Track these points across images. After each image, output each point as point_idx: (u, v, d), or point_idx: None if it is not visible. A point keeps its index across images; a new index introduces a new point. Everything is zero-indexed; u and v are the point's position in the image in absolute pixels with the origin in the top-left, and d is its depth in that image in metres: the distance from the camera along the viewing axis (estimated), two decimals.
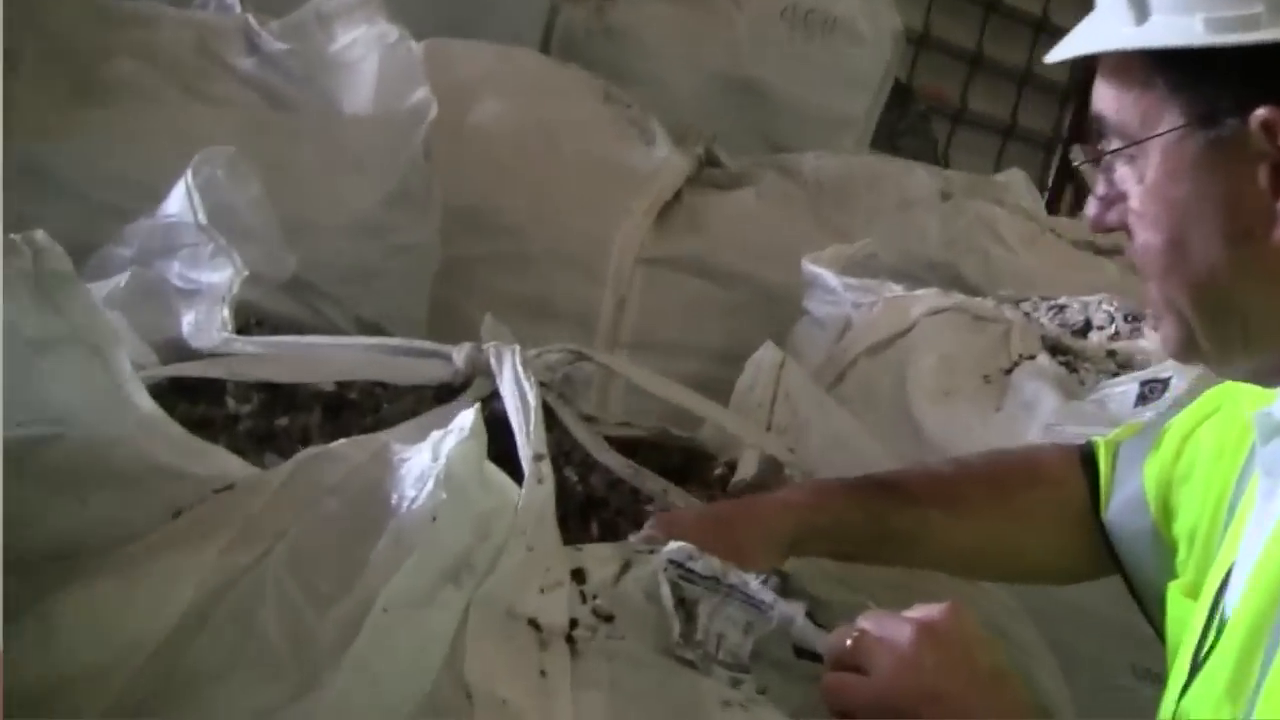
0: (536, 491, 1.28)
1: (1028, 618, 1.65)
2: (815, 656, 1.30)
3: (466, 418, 1.21)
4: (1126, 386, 1.91)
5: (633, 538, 1.42)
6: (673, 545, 1.33)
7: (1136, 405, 1.84)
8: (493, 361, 1.54)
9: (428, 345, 1.64)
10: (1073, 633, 1.76)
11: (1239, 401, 1.39)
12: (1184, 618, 1.32)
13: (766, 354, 1.84)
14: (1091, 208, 1.26)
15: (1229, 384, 1.43)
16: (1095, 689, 1.76)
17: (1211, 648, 1.19)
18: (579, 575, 1.30)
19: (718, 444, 1.78)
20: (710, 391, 2.65)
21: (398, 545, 1.13)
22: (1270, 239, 1.12)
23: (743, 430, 1.75)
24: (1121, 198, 1.22)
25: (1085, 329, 2.39)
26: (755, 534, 1.47)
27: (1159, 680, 1.75)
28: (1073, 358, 2.20)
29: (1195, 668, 1.21)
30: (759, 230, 2.81)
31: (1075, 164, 1.27)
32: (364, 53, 2.18)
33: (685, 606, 1.30)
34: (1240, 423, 1.36)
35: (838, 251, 2.55)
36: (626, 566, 1.33)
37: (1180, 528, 1.42)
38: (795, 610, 1.31)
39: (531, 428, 1.37)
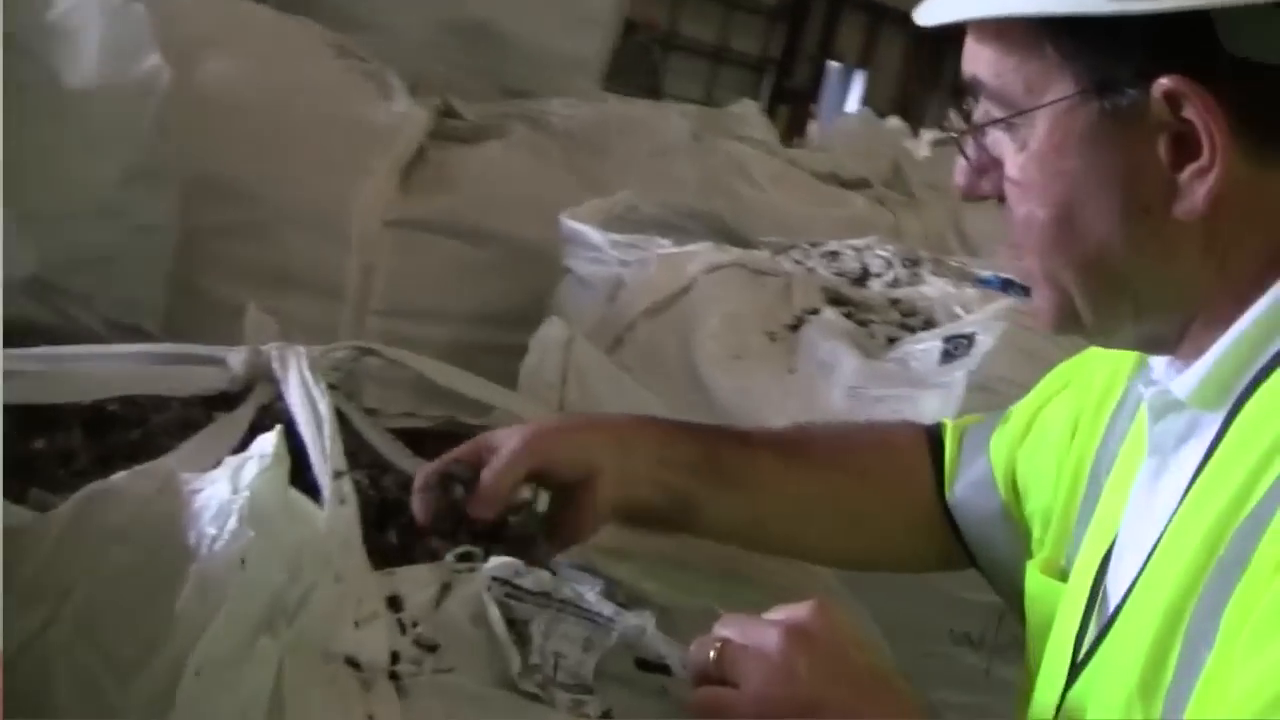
0: (340, 514, 1.16)
1: (846, 588, 1.57)
2: (662, 668, 1.19)
3: (267, 442, 1.08)
4: (929, 344, 1.83)
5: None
6: (495, 561, 1.22)
7: (942, 363, 1.76)
8: (275, 366, 1.40)
9: (200, 350, 1.49)
10: (888, 599, 1.68)
11: (1091, 374, 1.33)
12: (1047, 597, 1.26)
13: (553, 331, 1.72)
14: (961, 175, 1.17)
15: (1075, 361, 1.39)
16: (915, 655, 1.69)
17: (1102, 636, 1.11)
18: (394, 603, 1.19)
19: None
20: (469, 357, 2.55)
21: (205, 596, 0.99)
22: (1169, 214, 1.04)
23: (534, 414, 1.63)
24: (996, 165, 1.13)
25: (863, 277, 2.32)
26: (608, 440, 1.40)
27: (977, 644, 1.70)
28: (854, 309, 2.13)
29: (1084, 657, 1.13)
30: (510, 185, 2.69)
31: (948, 132, 1.17)
32: (86, 19, 1.99)
33: (516, 628, 1.18)
34: (1095, 395, 1.30)
35: (597, 206, 2.45)
36: (446, 588, 1.21)
37: (1034, 507, 1.36)
38: (644, 620, 1.20)
39: (327, 442, 1.23)
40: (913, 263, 2.38)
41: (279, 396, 1.41)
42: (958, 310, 2.16)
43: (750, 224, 2.74)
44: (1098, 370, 1.31)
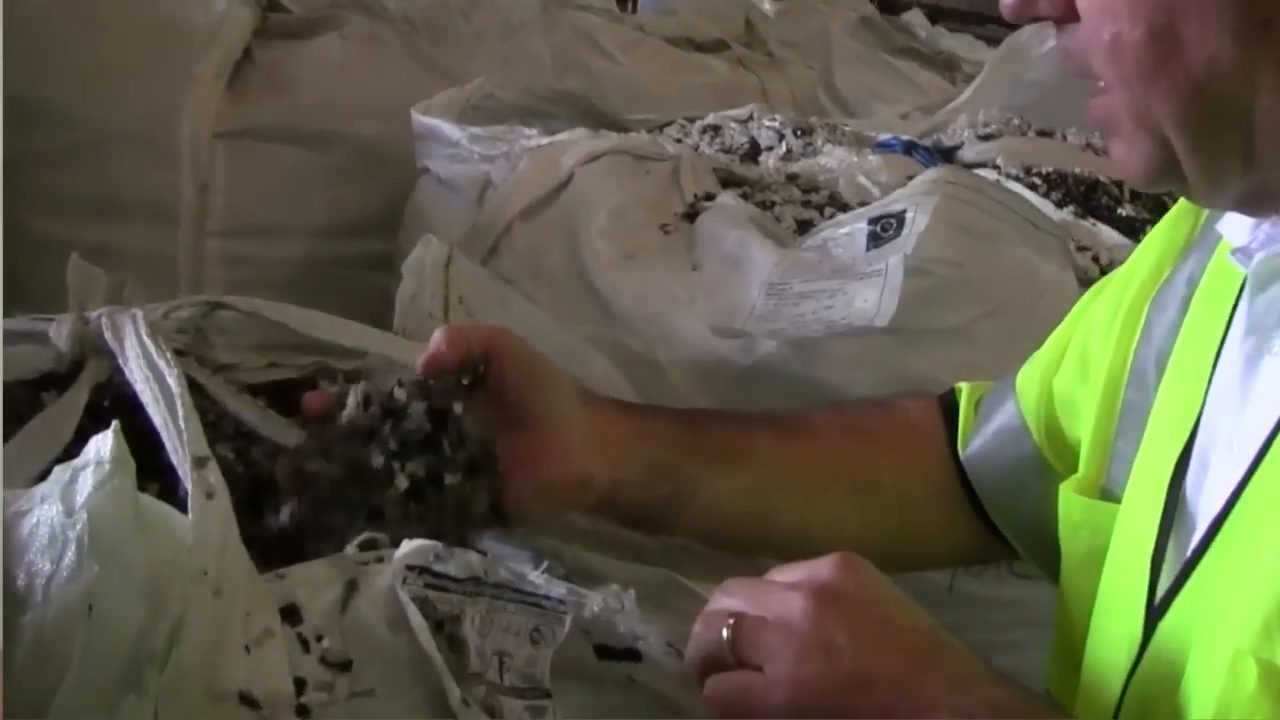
0: (209, 512, 0.94)
1: None
2: (630, 654, 0.99)
3: (102, 443, 0.86)
4: (852, 227, 1.62)
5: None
6: (407, 547, 1.00)
7: (871, 248, 1.56)
8: (107, 334, 1.17)
9: (14, 325, 1.25)
10: None
11: (1128, 274, 1.14)
12: (1093, 520, 1.07)
13: (429, 251, 1.50)
14: None
15: (1106, 278, 1.20)
16: None
17: (1196, 560, 0.91)
18: (291, 614, 0.96)
19: (386, 370, 1.43)
20: (325, 272, 2.33)
21: (45, 658, 0.77)
22: None
23: (408, 351, 1.40)
24: None
25: (753, 152, 2.11)
26: (575, 397, 1.20)
27: None
28: (751, 189, 1.92)
29: (1171, 587, 0.93)
30: (350, 82, 2.44)
31: None
32: None
33: (445, 629, 0.96)
34: (1136, 282, 1.11)
35: (450, 97, 2.21)
36: (353, 587, 0.99)
37: (1080, 432, 1.14)
38: (616, 597, 0.99)
39: (183, 422, 1.01)
40: (805, 131, 2.17)
41: (116, 370, 1.17)
42: (862, 181, 1.96)
43: (611, 102, 2.53)
44: (1136, 269, 1.12)
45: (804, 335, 1.48)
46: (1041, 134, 2.33)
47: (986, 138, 2.32)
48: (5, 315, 1.68)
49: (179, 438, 1.00)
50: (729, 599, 0.94)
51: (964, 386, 1.30)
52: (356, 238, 2.34)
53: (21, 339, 1.23)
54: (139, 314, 1.17)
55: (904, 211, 1.56)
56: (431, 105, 2.17)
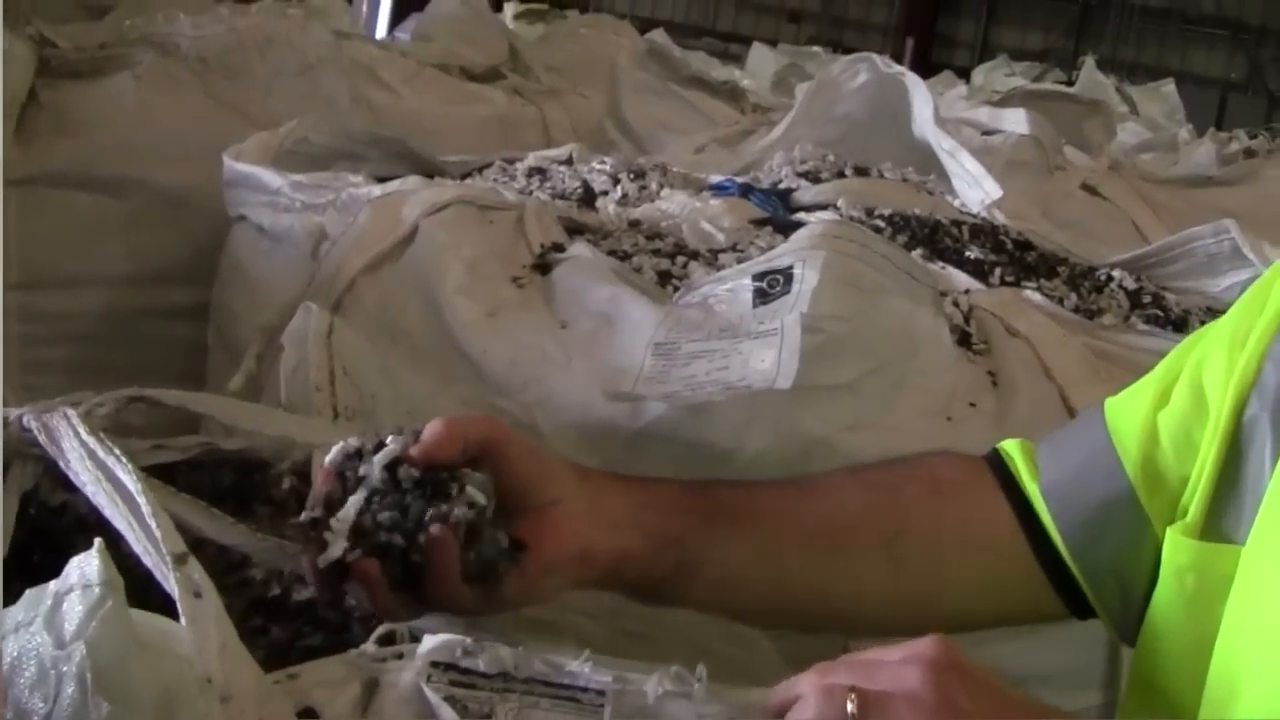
0: (202, 613, 0.86)
1: None
2: None
3: (87, 566, 0.77)
4: (735, 283, 1.57)
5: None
6: (431, 642, 0.93)
7: (759, 305, 1.51)
8: (40, 437, 1.07)
9: None
10: None
11: (1249, 309, 1.12)
12: (1215, 563, 1.06)
13: (310, 321, 1.41)
14: None
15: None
16: None
17: None
18: (308, 717, 0.89)
19: (273, 449, 1.35)
20: (132, 324, 2.22)
21: None
22: None
23: (305, 429, 1.33)
24: None
25: (588, 197, 2.06)
26: (567, 470, 1.16)
27: None
28: (594, 236, 1.87)
29: None
30: (145, 123, 2.35)
31: None
32: None
33: None
34: (1259, 327, 1.09)
35: (262, 141, 2.11)
36: (372, 686, 0.92)
37: (1195, 468, 1.12)
38: (685, 680, 0.93)
39: (152, 520, 0.92)
40: (638, 174, 2.13)
41: (48, 473, 1.08)
42: (706, 227, 1.92)
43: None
44: (1252, 310, 1.11)
45: (700, 398, 1.43)
46: (859, 171, 2.32)
47: (804, 174, 2.30)
48: None
49: (149, 538, 0.92)
50: (834, 676, 0.91)
51: (1005, 443, 1.26)
52: (163, 287, 2.26)
53: None
54: (72, 413, 1.07)
55: (790, 267, 1.52)
56: (243, 150, 2.07)
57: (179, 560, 0.87)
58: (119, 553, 0.84)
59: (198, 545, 1.04)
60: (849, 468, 1.32)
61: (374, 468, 1.06)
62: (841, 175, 2.29)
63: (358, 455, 1.08)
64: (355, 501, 1.04)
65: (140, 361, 2.26)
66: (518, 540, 1.09)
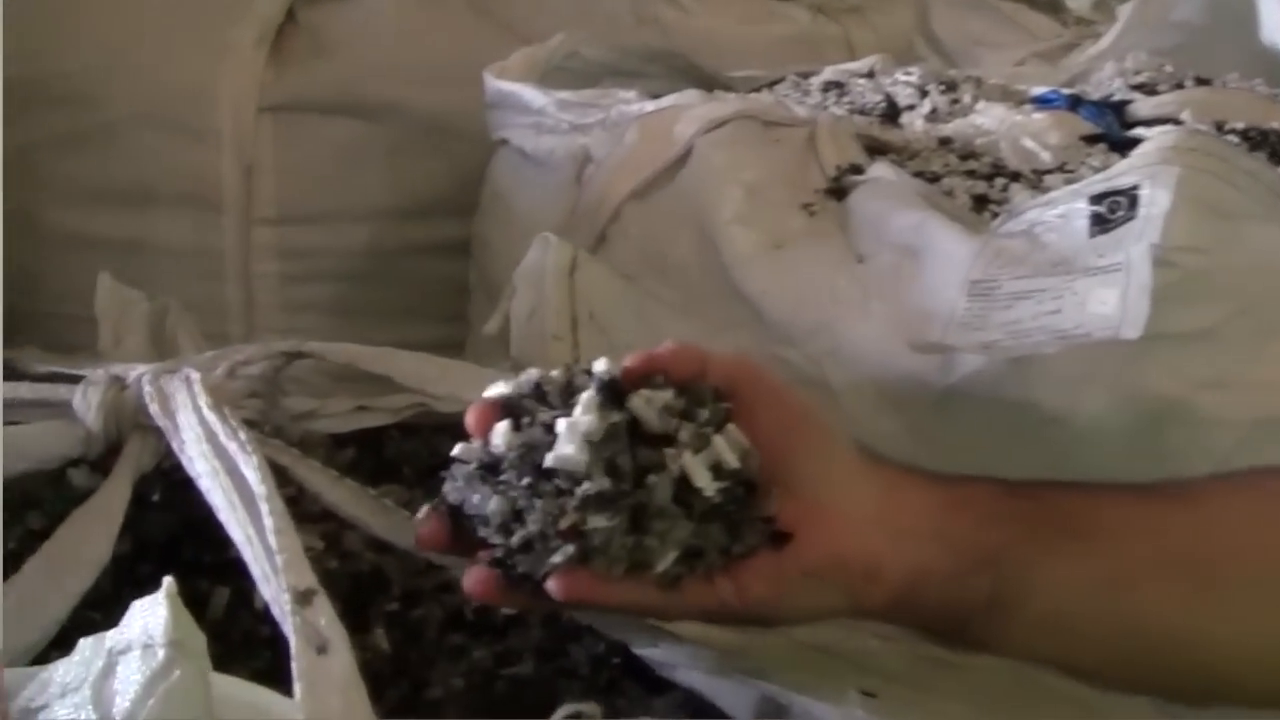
0: (325, 677, 0.65)
1: None
2: None
3: (151, 615, 0.57)
4: (1067, 207, 1.30)
5: None
6: None
7: (1095, 233, 1.25)
8: (153, 407, 0.87)
9: (26, 390, 0.93)
10: None
11: None
12: None
13: (549, 255, 1.20)
14: None
15: None
16: None
17: None
18: None
19: None
20: (394, 263, 2.05)
21: None
22: None
23: None
24: None
25: (891, 112, 1.80)
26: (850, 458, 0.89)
27: None
28: (898, 157, 1.62)
29: None
30: (407, 42, 2.15)
31: None
32: None
33: None
34: None
35: (528, 57, 1.91)
36: None
37: None
38: None
39: (273, 538, 0.71)
40: (948, 86, 1.86)
41: (168, 453, 0.87)
42: (1028, 144, 1.65)
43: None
44: None
45: (1026, 348, 1.18)
46: (1201, 82, 2.01)
47: (1138, 86, 2.01)
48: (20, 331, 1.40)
49: (269, 558, 0.71)
50: None
51: None
52: (424, 221, 2.07)
53: (34, 410, 0.93)
54: (194, 377, 0.87)
55: (1135, 187, 1.25)
56: (506, 68, 1.87)
57: (302, 599, 0.66)
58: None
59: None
60: (1232, 473, 1.03)
61: (589, 395, 0.81)
62: (1180, 86, 1.99)
63: (537, 395, 0.83)
64: (572, 457, 0.79)
65: (405, 301, 2.09)
66: (777, 527, 0.84)
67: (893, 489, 0.88)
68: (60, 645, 0.79)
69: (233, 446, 0.79)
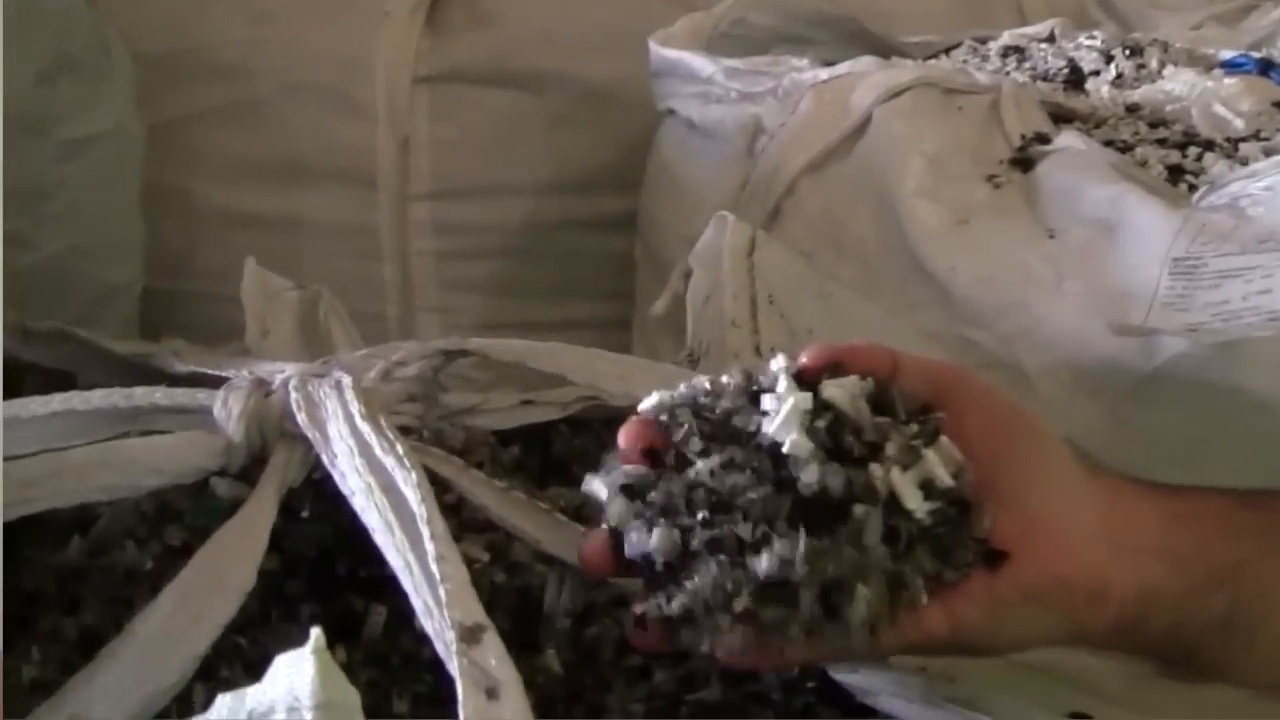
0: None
1: None
2: None
3: (297, 675, 0.51)
4: (1274, 179, 1.22)
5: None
6: None
7: None
8: (300, 417, 0.81)
9: (162, 397, 0.87)
10: None
11: None
12: None
13: (727, 235, 1.13)
14: None
15: None
16: None
17: None
18: None
19: None
20: (552, 239, 2.00)
21: None
22: None
23: None
24: None
25: (1075, 78, 1.72)
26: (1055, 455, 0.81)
27: None
28: (1084, 125, 1.54)
29: None
30: (566, 9, 2.09)
31: None
32: None
33: None
34: None
35: (693, 23, 1.85)
36: None
37: None
38: None
39: (435, 565, 0.65)
40: (1133, 51, 1.77)
41: (318, 463, 0.81)
42: (1220, 111, 1.56)
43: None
44: None
45: (1236, 331, 1.10)
46: None
47: None
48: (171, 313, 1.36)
49: (431, 589, 0.65)
50: None
51: None
52: (586, 195, 2.01)
53: (172, 418, 0.87)
54: (346, 382, 0.81)
55: None
56: (672, 35, 1.81)
57: (469, 635, 0.60)
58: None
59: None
60: None
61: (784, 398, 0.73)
62: None
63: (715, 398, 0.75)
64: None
65: (567, 278, 2.04)
66: (992, 546, 0.76)
67: (1114, 500, 0.80)
68: (203, 677, 0.74)
69: (389, 461, 0.73)
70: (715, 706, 0.80)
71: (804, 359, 0.77)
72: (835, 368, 0.76)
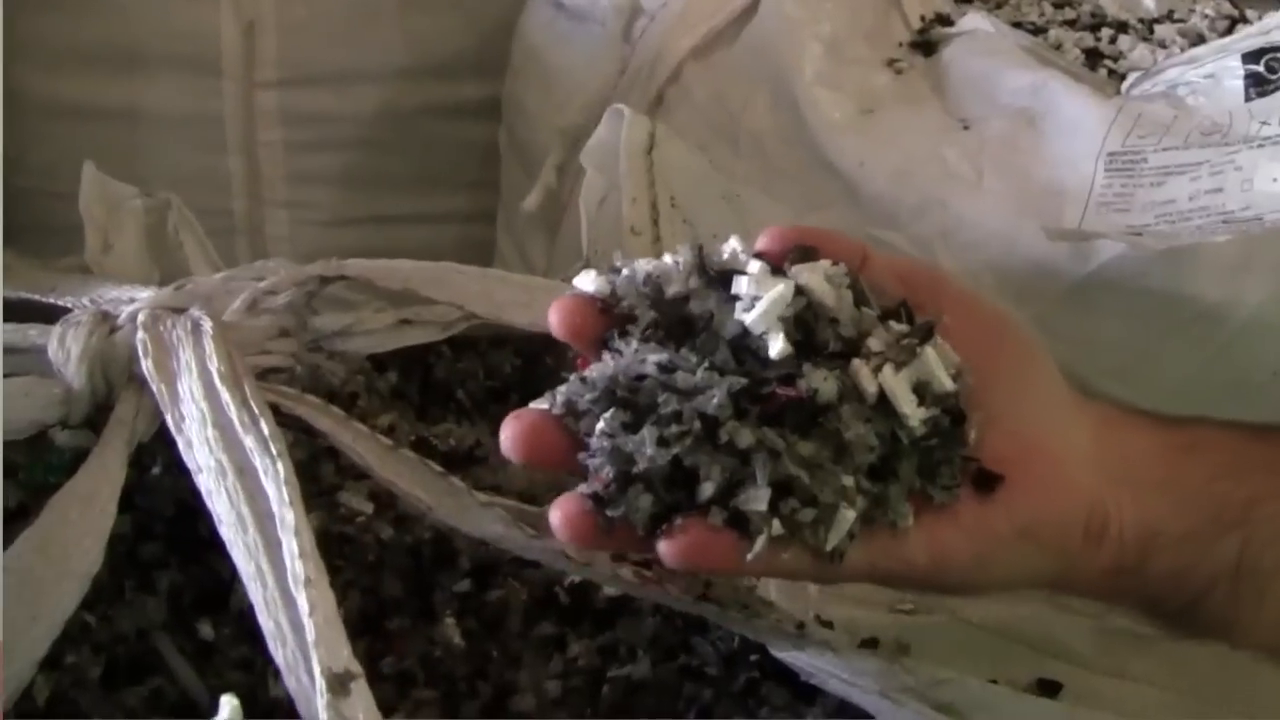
0: None
1: None
2: None
3: None
4: (1216, 65, 1.12)
5: None
6: None
7: (1252, 98, 1.07)
8: (146, 366, 0.68)
9: None
10: None
11: None
12: None
13: (624, 131, 1.01)
14: None
15: None
16: None
17: None
18: None
19: None
20: (411, 127, 1.88)
21: None
22: None
23: None
24: None
25: None
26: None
27: None
28: (988, 4, 1.44)
29: None
30: None
31: None
32: None
33: None
34: None
35: None
36: None
37: None
38: None
39: (301, 587, 0.54)
40: None
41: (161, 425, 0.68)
42: None
43: None
44: None
45: (1188, 235, 1.00)
46: None
47: None
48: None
49: (290, 618, 0.53)
50: None
51: None
52: (445, 81, 1.88)
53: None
54: (206, 326, 0.67)
55: None
56: None
57: (338, 686, 0.48)
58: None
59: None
60: None
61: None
62: None
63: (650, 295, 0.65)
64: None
65: (424, 169, 1.91)
66: (986, 468, 0.66)
67: (1107, 426, 0.71)
68: (46, 665, 0.62)
69: (249, 441, 0.60)
70: (643, 683, 0.69)
71: (765, 241, 0.66)
72: (803, 252, 0.65)
